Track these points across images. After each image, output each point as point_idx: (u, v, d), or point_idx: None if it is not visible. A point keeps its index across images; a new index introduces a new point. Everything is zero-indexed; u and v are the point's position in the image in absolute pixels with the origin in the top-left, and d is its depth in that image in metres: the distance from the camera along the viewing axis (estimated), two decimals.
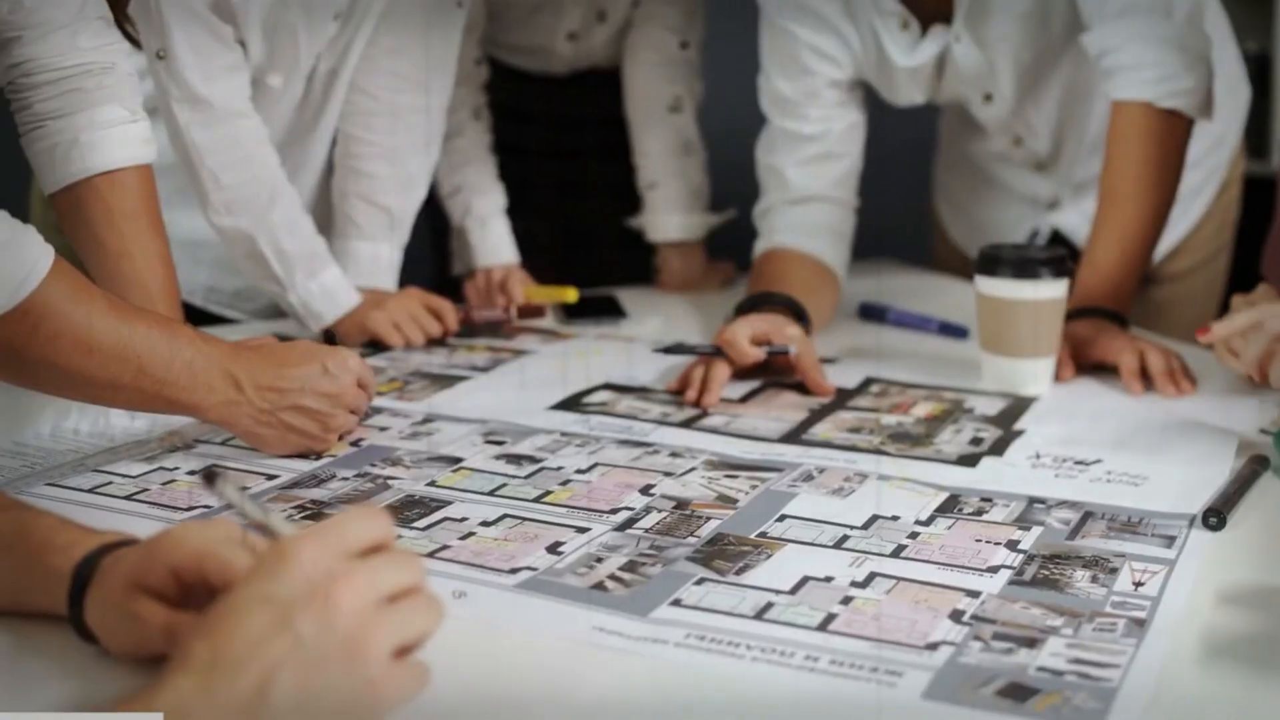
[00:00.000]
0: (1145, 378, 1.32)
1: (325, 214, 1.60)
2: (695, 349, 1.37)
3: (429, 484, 1.08)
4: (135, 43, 1.42)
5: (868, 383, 1.38)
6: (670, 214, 1.84)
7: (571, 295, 1.66)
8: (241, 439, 1.13)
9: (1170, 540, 0.95)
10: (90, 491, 1.06)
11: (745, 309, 1.43)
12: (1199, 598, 0.86)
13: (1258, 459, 1.08)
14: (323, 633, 0.63)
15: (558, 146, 1.97)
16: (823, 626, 0.81)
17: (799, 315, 1.42)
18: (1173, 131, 1.41)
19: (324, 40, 1.49)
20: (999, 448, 1.16)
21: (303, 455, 1.14)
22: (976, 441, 1.18)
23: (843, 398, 1.32)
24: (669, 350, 1.39)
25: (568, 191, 1.99)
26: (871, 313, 1.66)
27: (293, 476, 1.10)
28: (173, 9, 1.36)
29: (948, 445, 1.17)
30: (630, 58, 1.85)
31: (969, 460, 1.13)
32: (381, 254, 1.59)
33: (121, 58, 1.30)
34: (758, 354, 1.33)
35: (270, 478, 1.10)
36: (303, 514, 1.01)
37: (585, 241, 1.99)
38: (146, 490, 1.07)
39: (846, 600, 0.85)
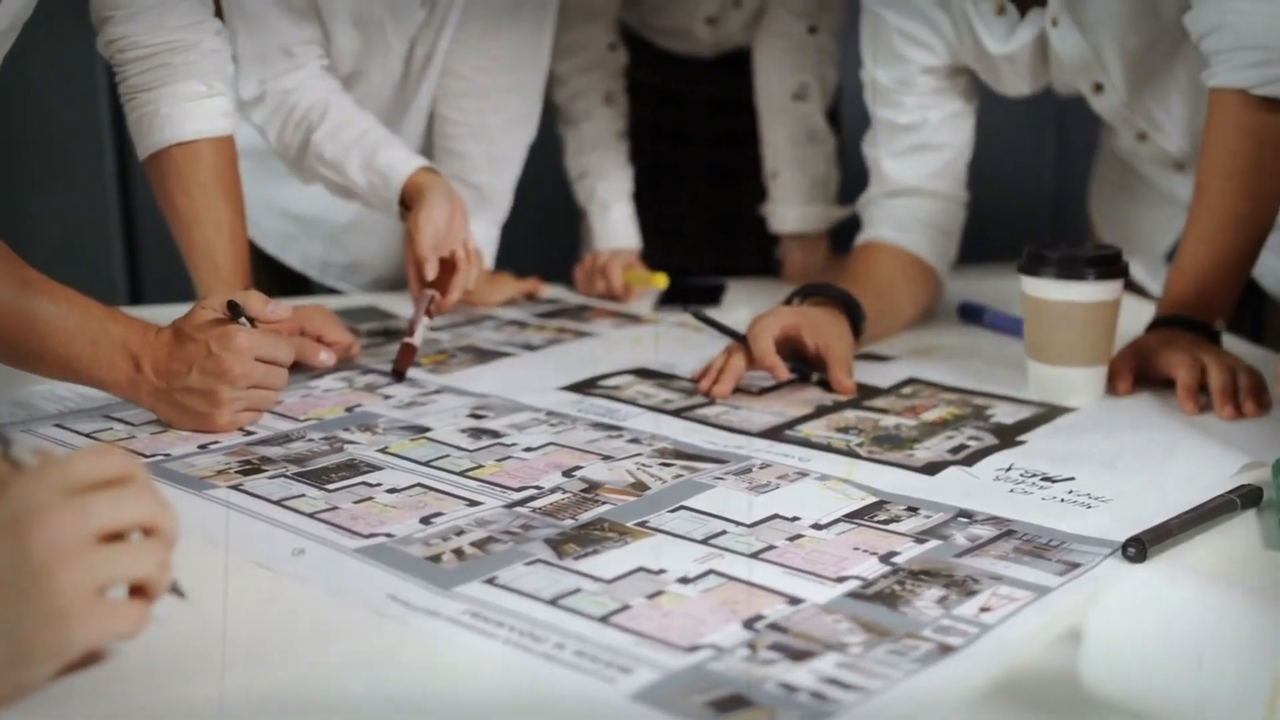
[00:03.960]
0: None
1: None
2: (723, 329, 1.33)
3: (380, 450, 1.11)
4: None
5: (905, 383, 1.30)
6: (790, 204, 1.79)
7: (660, 281, 1.65)
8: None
9: (1072, 568, 0.85)
10: (87, 435, 1.15)
11: (798, 297, 1.38)
12: (1048, 632, 0.77)
13: (1245, 492, 0.96)
14: (12, 561, 0.66)
15: (710, 130, 1.96)
16: (605, 618, 0.78)
17: (851, 311, 1.35)
18: (1274, 124, 1.25)
19: (413, 27, 1.54)
20: (975, 458, 1.08)
21: (203, 431, 1.15)
22: (959, 450, 1.10)
23: (865, 396, 1.26)
24: (697, 316, 1.36)
25: (719, 178, 1.97)
26: (970, 313, 1.57)
27: (266, 434, 1.15)
28: (242, 19, 1.46)
29: (925, 451, 1.09)
30: (758, 43, 1.81)
31: (932, 468, 1.05)
32: (475, 232, 1.62)
33: (208, 36, 1.39)
34: (776, 364, 1.26)
35: (247, 433, 1.15)
36: (244, 467, 1.06)
37: (733, 229, 1.97)
38: (135, 438, 1.14)
39: (654, 595, 0.81)
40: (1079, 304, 1.20)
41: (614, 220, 1.79)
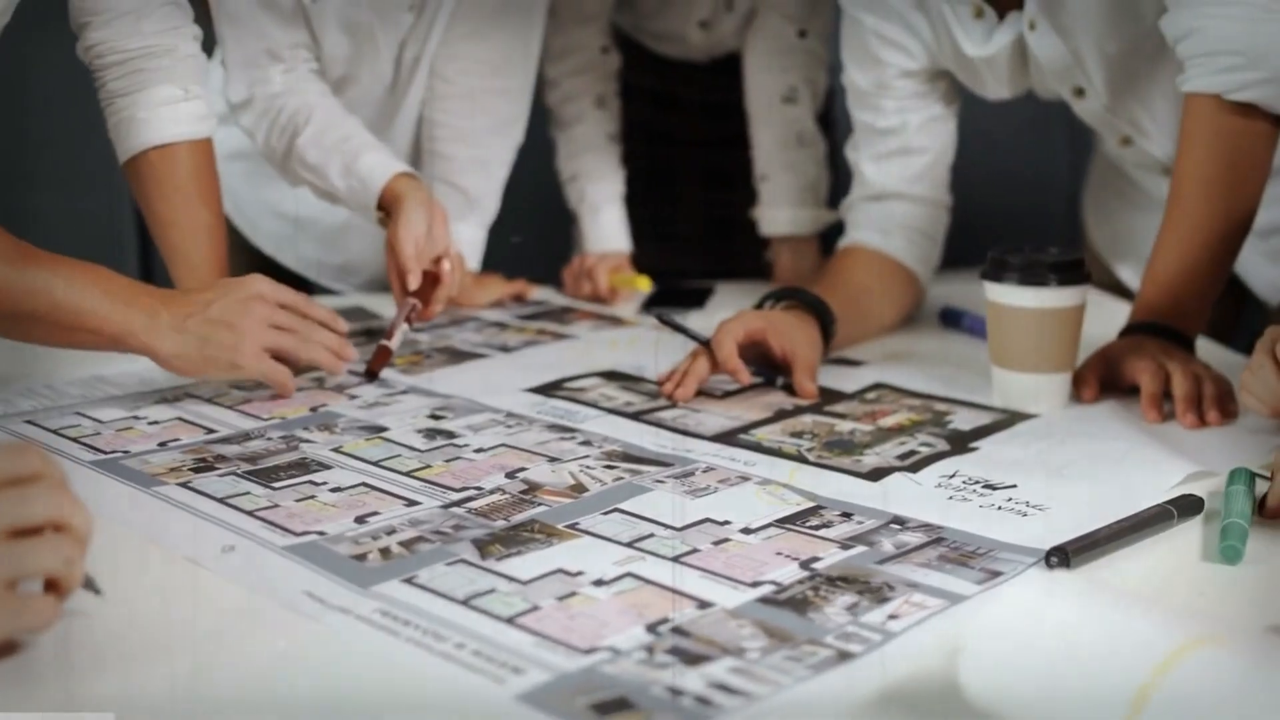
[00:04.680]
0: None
1: None
2: (688, 333, 1.33)
3: (333, 449, 1.12)
4: None
5: (871, 388, 1.30)
6: (780, 208, 1.79)
7: (644, 284, 1.65)
8: (164, 363, 1.19)
9: (993, 576, 0.85)
10: (54, 432, 1.17)
11: (770, 301, 1.38)
12: (952, 640, 0.76)
13: (1184, 502, 0.95)
14: None
15: (704, 134, 1.96)
16: (512, 619, 0.79)
17: (821, 316, 1.35)
18: (1249, 130, 1.23)
19: (401, 30, 1.56)
20: (923, 464, 1.07)
21: (232, 372, 1.21)
22: (908, 455, 1.09)
23: (828, 401, 1.26)
24: (661, 320, 1.36)
25: (712, 182, 1.98)
26: (950, 317, 1.56)
27: (227, 433, 1.17)
28: (229, 25, 1.48)
29: (874, 457, 1.09)
30: (748, 46, 1.81)
31: (877, 474, 1.05)
32: (461, 234, 1.64)
33: (185, 41, 1.41)
34: (738, 368, 1.26)
35: (209, 431, 1.17)
36: (198, 465, 1.07)
37: (726, 232, 1.97)
38: (99, 434, 1.16)
39: (566, 596, 0.82)
40: (1042, 310, 1.19)
41: (604, 223, 1.80)
